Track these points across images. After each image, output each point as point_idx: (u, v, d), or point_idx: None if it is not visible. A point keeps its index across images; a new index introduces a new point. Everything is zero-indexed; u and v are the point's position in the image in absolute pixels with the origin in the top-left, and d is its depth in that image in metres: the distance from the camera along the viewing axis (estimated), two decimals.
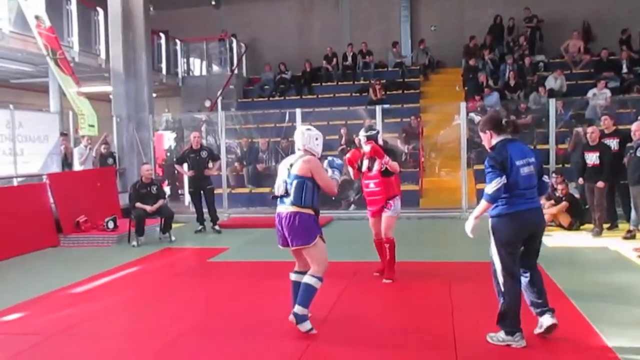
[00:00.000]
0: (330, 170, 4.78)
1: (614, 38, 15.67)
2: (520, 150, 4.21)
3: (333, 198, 11.52)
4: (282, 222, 4.59)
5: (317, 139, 4.78)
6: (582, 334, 4.45)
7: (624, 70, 14.56)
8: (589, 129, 9.06)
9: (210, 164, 10.21)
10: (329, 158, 4.96)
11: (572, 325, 4.56)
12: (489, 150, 4.29)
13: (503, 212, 4.11)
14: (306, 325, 4.52)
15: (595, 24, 16.54)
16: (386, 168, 6.18)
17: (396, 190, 6.37)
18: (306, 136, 4.75)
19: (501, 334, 4.20)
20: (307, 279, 4.56)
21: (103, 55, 13.77)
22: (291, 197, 4.56)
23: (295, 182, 4.56)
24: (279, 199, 4.66)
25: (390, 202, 6.26)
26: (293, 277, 4.80)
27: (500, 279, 4.15)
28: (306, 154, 4.71)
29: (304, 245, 4.54)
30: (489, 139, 4.29)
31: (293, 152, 13.28)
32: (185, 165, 10.35)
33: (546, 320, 4.19)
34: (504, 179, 4.04)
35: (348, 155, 6.42)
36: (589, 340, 4.33)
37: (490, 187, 4.05)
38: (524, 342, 4.13)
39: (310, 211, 4.57)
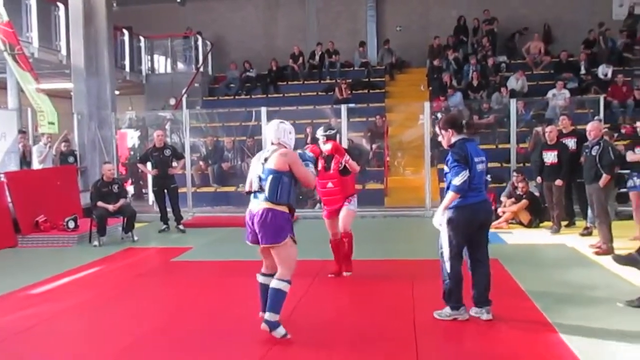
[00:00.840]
0: (310, 166, 4.70)
1: (573, 40, 16.08)
2: (476, 149, 4.64)
3: (300, 197, 11.59)
4: (254, 218, 4.41)
5: (290, 132, 4.66)
6: (538, 327, 4.59)
7: (582, 71, 14.96)
8: (547, 129, 9.31)
9: (174, 163, 10.11)
10: (298, 151, 4.88)
11: (529, 321, 4.71)
12: (446, 148, 4.65)
13: (460, 204, 4.57)
14: (280, 331, 4.37)
15: (555, 27, 16.97)
16: (345, 167, 6.17)
17: (353, 189, 6.44)
18: (280, 129, 4.61)
19: (447, 310, 4.77)
20: (275, 283, 4.38)
21: (64, 52, 13.47)
22: (265, 193, 4.37)
23: (270, 177, 4.38)
24: (252, 195, 4.51)
25: (348, 200, 6.32)
26: (260, 279, 4.65)
27: (447, 264, 4.67)
28: (281, 147, 4.53)
29: (272, 244, 4.38)
30: (449, 137, 4.65)
31: (259, 150, 13.25)
32: (149, 164, 10.23)
33: (483, 316, 4.74)
34: (467, 172, 4.45)
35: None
36: (544, 334, 4.46)
37: (457, 180, 4.47)
38: (468, 314, 4.76)
39: (284, 208, 4.40)
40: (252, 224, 4.45)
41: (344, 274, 6.38)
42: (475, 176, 4.55)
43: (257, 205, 4.43)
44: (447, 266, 4.67)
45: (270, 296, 4.40)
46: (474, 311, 4.79)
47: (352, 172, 6.31)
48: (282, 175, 4.39)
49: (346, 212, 6.29)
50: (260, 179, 4.45)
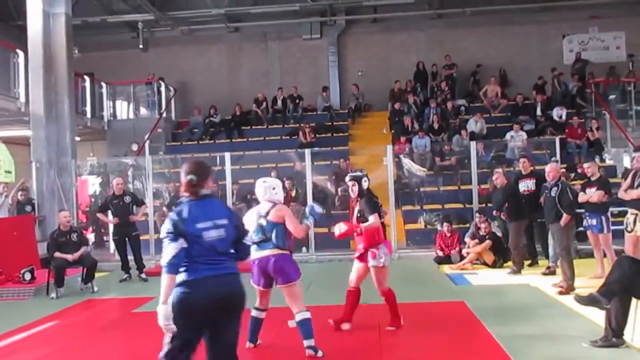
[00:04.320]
0: (308, 218, 5.35)
1: (528, 84, 16.69)
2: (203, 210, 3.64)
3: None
4: (267, 264, 5.10)
5: (274, 188, 5.32)
6: None
7: (539, 113, 15.47)
8: (494, 176, 9.65)
9: (135, 209, 9.94)
10: (311, 204, 5.55)
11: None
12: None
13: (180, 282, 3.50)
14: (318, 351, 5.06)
15: (510, 71, 17.62)
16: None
17: (380, 237, 5.90)
18: (262, 188, 5.31)
19: None
20: (301, 316, 5.10)
21: (23, 99, 13.21)
22: (273, 241, 5.11)
23: (275, 228, 5.12)
24: (256, 246, 5.08)
25: (374, 250, 5.82)
26: (254, 313, 5.34)
27: None
28: (276, 204, 5.25)
29: (290, 282, 5.11)
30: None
31: (223, 195, 13.10)
32: (110, 213, 10.02)
33: None
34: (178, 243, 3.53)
35: (342, 231, 5.89)
36: None
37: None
38: None
39: (288, 252, 5.21)
40: (266, 269, 5.14)
41: (387, 327, 6.00)
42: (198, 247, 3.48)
43: (268, 252, 5.12)
44: None
45: (301, 328, 5.11)
46: None
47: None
48: (283, 225, 5.15)
49: (374, 272, 5.87)
50: (264, 231, 5.14)
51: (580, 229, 8.76)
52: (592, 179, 8.27)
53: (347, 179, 6.15)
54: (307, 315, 5.14)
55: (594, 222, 8.10)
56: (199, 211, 3.54)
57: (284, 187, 12.31)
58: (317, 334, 5.96)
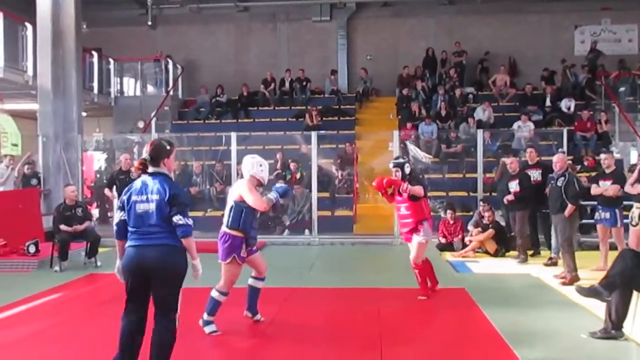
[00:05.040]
0: (272, 193, 5.28)
1: (537, 74, 16.57)
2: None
3: (270, 223, 11.56)
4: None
5: (260, 165, 5.30)
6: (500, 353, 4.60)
7: (548, 104, 15.36)
8: (508, 160, 9.56)
9: None
10: (276, 185, 5.48)
11: (494, 351, 4.71)
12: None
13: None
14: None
15: (520, 61, 17.48)
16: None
17: (426, 213, 6.58)
18: (249, 164, 5.29)
19: None
20: (213, 291, 5.23)
21: (30, 72, 13.22)
22: (224, 219, 5.19)
23: (233, 206, 5.14)
24: None
25: (420, 225, 6.46)
26: (249, 281, 5.49)
27: None
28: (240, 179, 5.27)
29: (221, 261, 5.18)
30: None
31: (228, 175, 13.06)
32: (115, 188, 10.04)
33: None
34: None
35: (374, 183, 6.70)
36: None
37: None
38: None
39: (236, 233, 5.10)
40: None
41: (419, 297, 6.55)
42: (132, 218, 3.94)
43: (222, 229, 5.20)
44: None
45: (209, 301, 5.25)
46: None
47: (422, 197, 6.54)
48: (238, 204, 5.12)
49: (416, 244, 6.50)
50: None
51: (584, 221, 8.74)
52: (607, 171, 8.14)
53: (390, 165, 6.69)
54: (216, 294, 5.23)
55: (608, 215, 8.02)
56: (141, 186, 3.96)
57: (288, 168, 12.41)
58: (318, 316, 6.03)
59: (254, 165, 5.28)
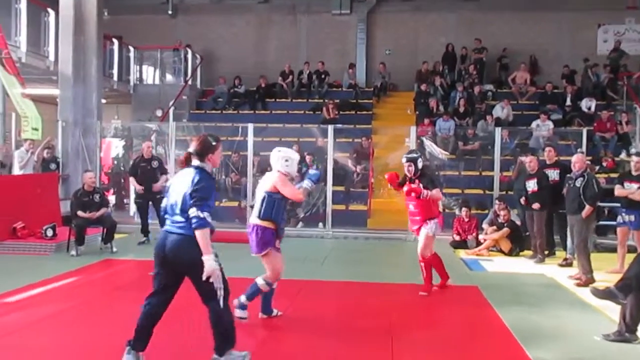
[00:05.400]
0: (305, 181, 5.22)
1: (558, 73, 16.39)
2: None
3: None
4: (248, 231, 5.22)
5: (286, 160, 5.21)
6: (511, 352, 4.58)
7: (568, 103, 15.18)
8: (527, 159, 9.45)
9: (159, 176, 10.00)
10: (309, 172, 5.45)
11: (506, 351, 4.70)
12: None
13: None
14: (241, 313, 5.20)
15: (541, 59, 17.29)
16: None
17: (435, 211, 6.65)
18: (274, 158, 5.26)
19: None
20: (259, 279, 5.25)
21: (52, 58, 13.35)
22: (254, 211, 5.19)
23: (262, 197, 5.13)
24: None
25: (429, 221, 6.54)
26: (259, 283, 5.35)
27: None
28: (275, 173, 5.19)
29: (256, 254, 5.19)
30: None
31: (244, 166, 13.10)
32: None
33: None
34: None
35: (386, 176, 6.92)
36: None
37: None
38: None
39: (268, 224, 5.11)
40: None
41: (420, 293, 6.58)
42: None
43: (251, 220, 5.26)
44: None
45: (251, 288, 5.29)
46: None
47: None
48: (272, 194, 5.11)
49: (423, 236, 6.57)
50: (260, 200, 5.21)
51: (603, 222, 8.63)
52: (634, 173, 7.92)
53: (403, 160, 6.63)
54: (261, 282, 5.26)
55: (632, 218, 7.86)
56: (178, 177, 4.15)
57: (304, 161, 12.42)
58: (330, 309, 6.04)
59: (279, 160, 5.22)
